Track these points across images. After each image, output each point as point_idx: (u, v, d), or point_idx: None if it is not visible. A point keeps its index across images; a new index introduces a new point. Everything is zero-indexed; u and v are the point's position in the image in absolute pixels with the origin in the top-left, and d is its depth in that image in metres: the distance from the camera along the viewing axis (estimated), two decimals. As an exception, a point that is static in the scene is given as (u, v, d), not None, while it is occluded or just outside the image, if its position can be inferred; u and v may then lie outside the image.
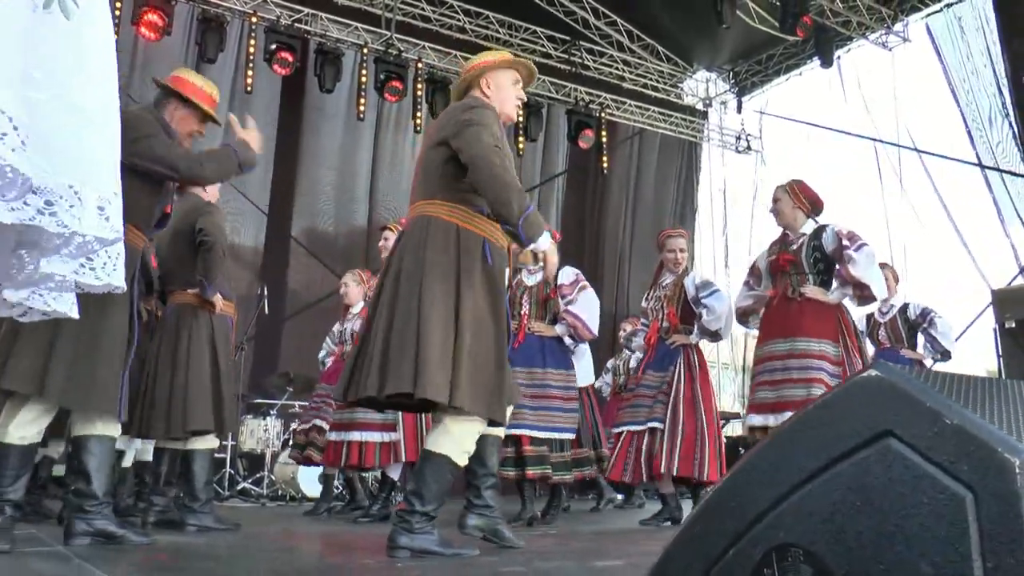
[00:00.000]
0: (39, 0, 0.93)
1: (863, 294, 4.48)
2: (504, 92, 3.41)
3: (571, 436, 5.20)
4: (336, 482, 6.97)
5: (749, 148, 13.00)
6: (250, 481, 8.12)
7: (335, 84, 9.71)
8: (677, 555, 0.87)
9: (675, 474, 4.98)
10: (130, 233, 3.37)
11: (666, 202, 12.72)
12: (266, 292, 7.90)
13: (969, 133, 10.79)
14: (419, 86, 10.23)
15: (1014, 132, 10.46)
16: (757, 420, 4.49)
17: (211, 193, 4.76)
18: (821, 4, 10.33)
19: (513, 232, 3.05)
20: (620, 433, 5.29)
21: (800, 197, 4.74)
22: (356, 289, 6.12)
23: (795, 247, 4.65)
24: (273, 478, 8.02)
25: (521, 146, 11.05)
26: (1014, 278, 10.34)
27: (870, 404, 0.68)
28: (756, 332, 4.97)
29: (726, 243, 12.95)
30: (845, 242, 4.45)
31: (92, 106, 0.93)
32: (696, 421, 5.02)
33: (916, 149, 10.80)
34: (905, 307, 6.68)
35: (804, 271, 4.57)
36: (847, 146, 11.60)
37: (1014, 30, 10.09)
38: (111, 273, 1.12)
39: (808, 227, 4.70)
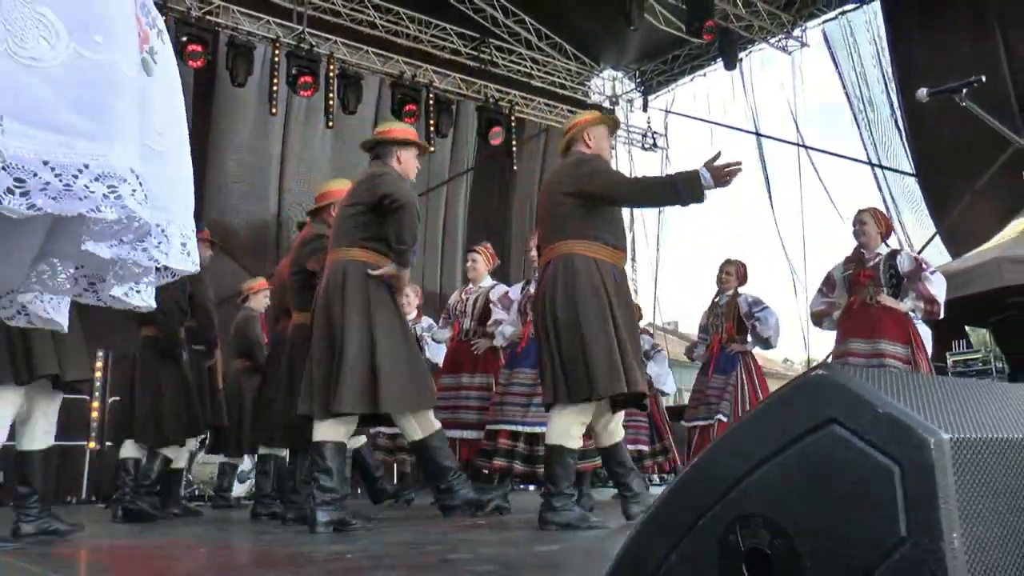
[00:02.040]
0: (137, 62, 1.10)
1: (932, 309, 5.51)
2: (602, 142, 4.30)
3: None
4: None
5: (655, 146, 13.54)
6: (168, 483, 8.07)
7: (247, 78, 9.71)
8: (652, 527, 1.15)
9: None
10: None
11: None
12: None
13: (861, 133, 11.47)
14: (331, 81, 10.29)
15: (900, 133, 11.17)
16: None
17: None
18: (725, 9, 10.88)
19: (675, 199, 4.04)
20: (693, 427, 6.53)
21: (883, 223, 5.87)
22: (483, 266, 6.19)
23: (872, 264, 5.66)
24: (191, 479, 8.02)
25: (432, 143, 11.22)
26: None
27: (818, 397, 0.97)
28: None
29: (633, 237, 13.41)
30: (924, 265, 5.59)
31: (173, 152, 1.11)
32: None
33: (809, 146, 11.45)
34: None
35: (880, 284, 5.58)
36: (749, 144, 12.16)
37: (901, 38, 10.78)
38: (149, 297, 1.27)
39: (882, 248, 5.75)
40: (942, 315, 5.53)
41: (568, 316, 3.87)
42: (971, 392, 1.07)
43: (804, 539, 0.96)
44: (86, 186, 0.74)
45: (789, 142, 11.66)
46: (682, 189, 3.87)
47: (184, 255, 0.98)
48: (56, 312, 1.19)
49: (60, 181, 0.72)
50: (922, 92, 3.53)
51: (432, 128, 11.19)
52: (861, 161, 11.39)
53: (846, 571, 0.93)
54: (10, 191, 0.70)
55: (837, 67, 11.57)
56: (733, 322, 6.61)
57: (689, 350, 7.26)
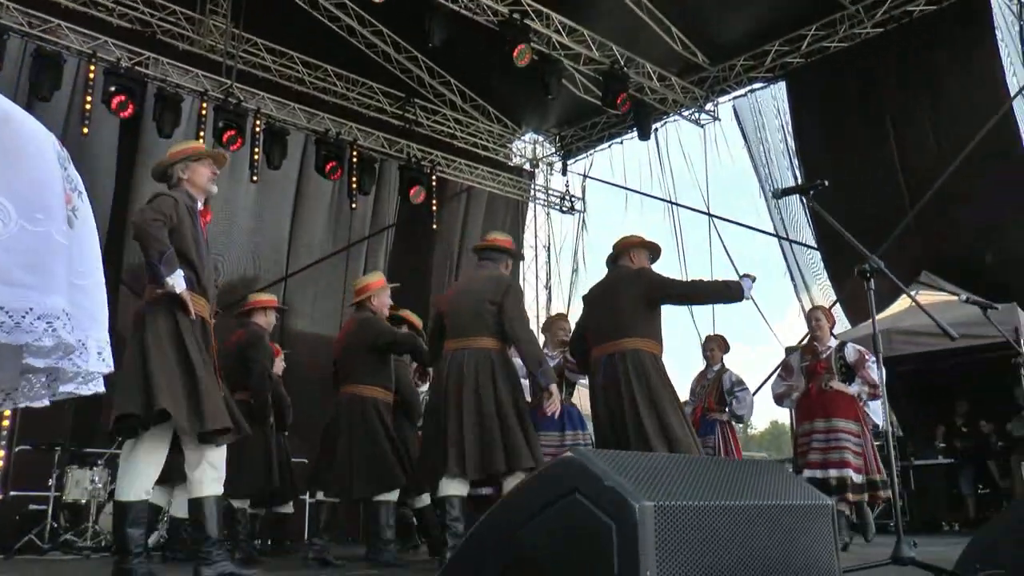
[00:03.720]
0: (64, 228, 1.42)
1: (874, 392, 6.81)
2: (644, 260, 5.51)
3: None
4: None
5: (572, 209, 14.07)
6: (72, 533, 8.10)
7: (173, 130, 9.94)
8: (458, 561, 1.50)
9: None
10: None
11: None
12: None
13: (768, 204, 12.15)
14: (257, 136, 10.58)
15: (803, 203, 11.86)
16: (808, 473, 6.59)
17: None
18: (641, 82, 11.45)
19: (736, 297, 5.26)
20: None
21: (831, 320, 7.38)
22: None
23: (825, 356, 6.99)
24: (98, 529, 8.06)
25: (355, 201, 11.57)
26: (804, 337, 11.62)
27: (567, 473, 1.34)
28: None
29: (548, 295, 13.91)
30: (866, 356, 6.83)
31: (92, 285, 1.44)
32: None
33: (717, 216, 12.06)
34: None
35: (832, 372, 6.87)
36: (662, 212, 12.76)
37: (802, 117, 11.54)
38: (98, 387, 1.61)
39: (831, 341, 7.12)
40: (880, 396, 6.52)
41: (645, 401, 4.96)
42: (685, 467, 1.46)
43: (554, 573, 1.33)
44: (32, 323, 1.06)
45: (699, 211, 12.30)
46: (735, 290, 5.23)
47: (100, 361, 1.31)
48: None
49: (12, 320, 1.04)
50: (776, 191, 4.01)
51: (355, 185, 11.55)
52: (767, 232, 12.06)
53: (583, 599, 1.30)
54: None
55: (746, 141, 12.29)
56: (714, 395, 7.87)
57: None
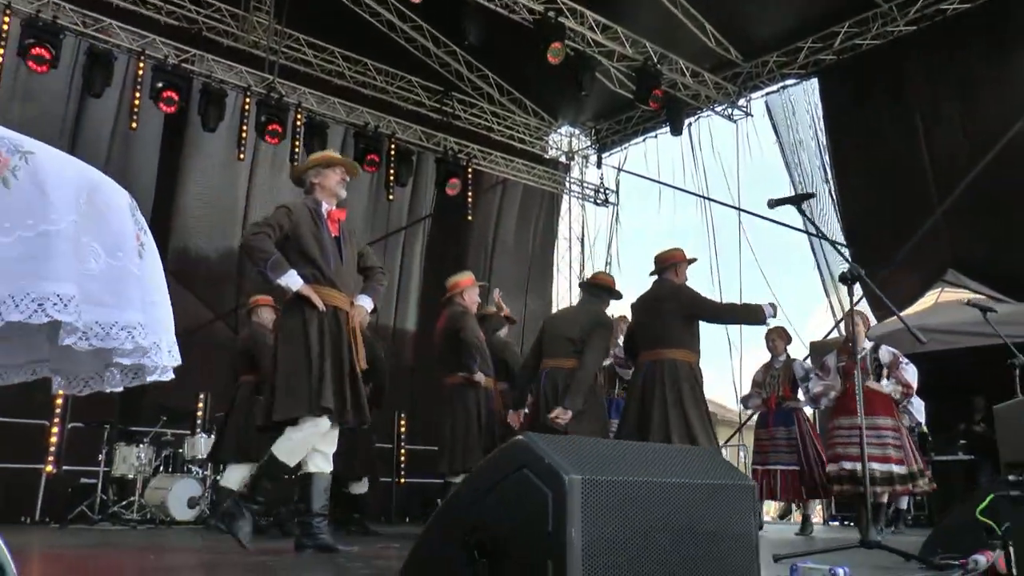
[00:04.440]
0: (137, 260, 1.81)
1: (907, 392, 7.46)
2: (684, 275, 6.17)
3: None
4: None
5: (607, 201, 14.39)
6: (120, 506, 8.68)
7: (217, 124, 10.44)
8: (431, 530, 1.90)
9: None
10: None
11: (526, 247, 13.92)
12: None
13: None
14: (298, 129, 11.05)
15: (833, 201, 12.10)
16: (849, 465, 7.31)
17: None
18: (674, 78, 11.73)
19: (761, 321, 6.06)
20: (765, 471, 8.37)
21: (867, 325, 7.86)
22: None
23: (860, 356, 7.21)
24: (143, 502, 8.62)
25: (391, 192, 12.02)
26: (829, 332, 11.88)
27: (516, 453, 1.73)
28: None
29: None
30: (901, 359, 7.45)
31: (160, 300, 1.83)
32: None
33: (747, 211, 12.32)
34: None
35: (868, 373, 7.36)
36: (694, 206, 13.05)
37: (834, 114, 11.75)
38: (167, 375, 1.98)
39: (866, 343, 7.58)
40: (915, 396, 7.69)
41: (675, 406, 5.68)
42: (618, 450, 1.85)
43: (506, 534, 1.73)
44: (117, 332, 1.47)
45: (730, 205, 12.56)
46: (759, 315, 5.96)
47: (170, 357, 1.72)
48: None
49: (104, 331, 1.44)
50: (770, 201, 4.35)
51: (392, 177, 12.00)
52: (796, 228, 12.29)
53: (526, 549, 1.69)
54: (82, 339, 1.44)
55: (778, 137, 12.52)
56: (789, 383, 8.37)
57: (745, 399, 9.03)
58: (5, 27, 9.13)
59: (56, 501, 8.74)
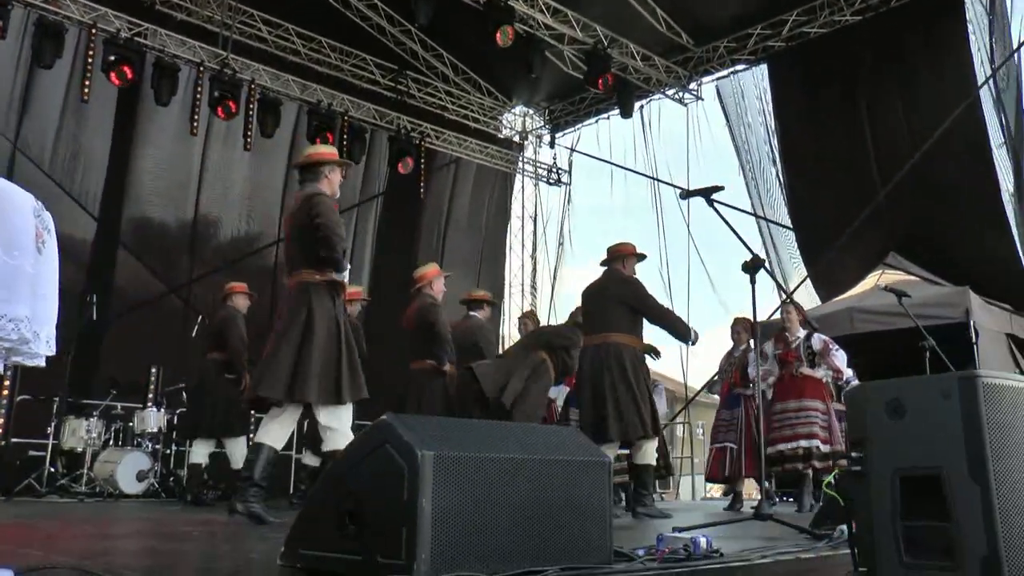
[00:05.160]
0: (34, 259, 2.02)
1: (838, 376, 8.14)
2: (633, 266, 6.59)
3: None
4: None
5: (560, 181, 14.63)
6: (68, 478, 8.83)
7: (170, 98, 10.52)
8: (315, 498, 2.15)
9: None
10: None
11: (479, 226, 14.14)
12: (95, 300, 8.73)
13: (746, 183, 12.70)
14: (251, 106, 11.16)
15: (780, 185, 12.42)
16: (782, 446, 7.85)
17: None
18: (625, 62, 11.95)
19: (683, 339, 6.55)
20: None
21: (803, 316, 8.49)
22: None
23: (795, 345, 8.13)
24: (92, 475, 8.78)
25: (344, 170, 12.14)
26: (772, 313, 12.20)
27: (382, 430, 1.98)
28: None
29: (534, 264, 14.52)
30: (831, 346, 8.00)
31: (49, 296, 2.04)
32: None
33: (695, 193, 12.54)
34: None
35: (802, 360, 8.01)
36: (645, 187, 13.32)
37: (782, 100, 12.06)
38: (40, 361, 2.21)
39: (799, 332, 8.24)
40: (845, 380, 8.26)
41: (622, 384, 6.11)
42: (473, 429, 2.12)
43: (371, 502, 1.98)
44: (4, 324, 1.69)
45: (679, 187, 12.83)
46: (686, 335, 6.43)
47: (47, 347, 1.94)
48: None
49: (-8, 322, 1.68)
50: (683, 192, 4.61)
51: (345, 155, 12.11)
52: (744, 211, 12.60)
53: (386, 517, 1.94)
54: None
55: (728, 120, 12.81)
56: (740, 371, 8.76)
57: (710, 384, 9.80)
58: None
59: (3, 474, 8.82)
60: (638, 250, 6.65)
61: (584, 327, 6.65)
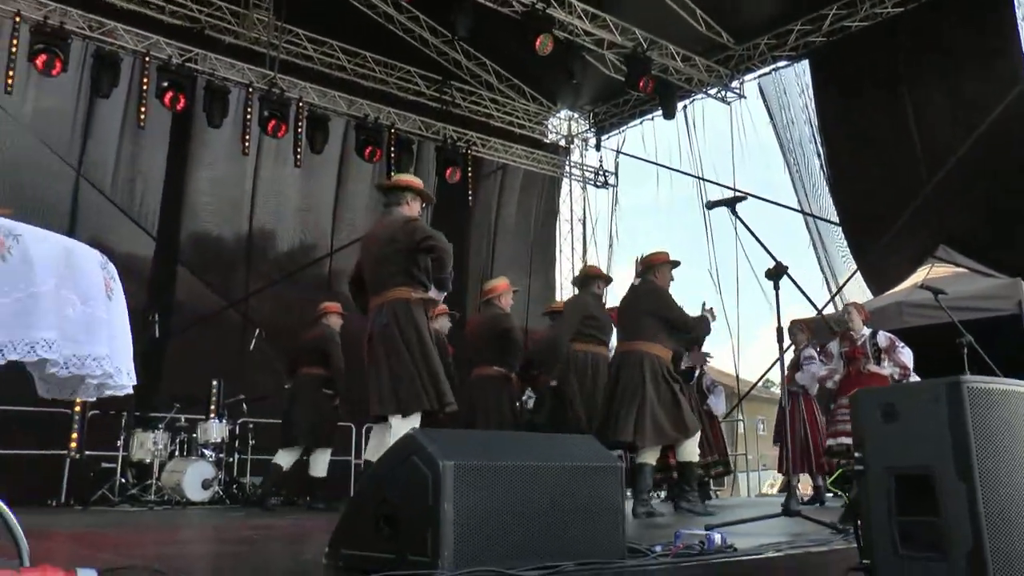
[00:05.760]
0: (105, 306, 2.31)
1: (904, 373, 8.11)
2: (667, 278, 6.79)
3: None
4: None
5: (606, 183, 14.82)
6: (138, 488, 9.29)
7: (222, 120, 10.95)
8: (354, 502, 2.42)
9: None
10: None
11: (527, 230, 14.40)
12: (157, 318, 9.18)
13: (792, 179, 12.78)
14: (300, 123, 11.56)
15: (825, 176, 12.48)
16: (842, 439, 8.07)
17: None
18: (665, 63, 12.12)
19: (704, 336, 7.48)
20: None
21: (864, 314, 8.61)
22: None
23: (860, 343, 8.30)
24: (160, 484, 9.22)
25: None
26: (823, 307, 12.27)
27: (409, 444, 2.24)
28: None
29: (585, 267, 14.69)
30: (897, 343, 8.15)
31: (121, 336, 2.33)
32: None
33: (743, 191, 12.66)
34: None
35: (868, 357, 8.18)
36: (691, 187, 13.47)
37: (825, 94, 12.11)
38: (122, 390, 2.51)
39: (864, 330, 8.40)
40: (910, 376, 8.09)
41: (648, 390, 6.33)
42: (489, 439, 2.37)
43: (402, 507, 2.25)
44: (88, 363, 1.99)
45: (725, 186, 12.96)
46: (707, 328, 6.86)
47: (128, 378, 2.23)
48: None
49: (78, 360, 1.96)
50: (708, 203, 4.82)
51: (393, 167, 12.47)
52: (791, 208, 12.71)
53: (414, 520, 2.21)
54: (62, 368, 1.97)
55: (771, 117, 12.90)
56: (792, 370, 9.13)
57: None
58: (15, 34, 9.68)
59: (79, 485, 9.29)
60: (671, 257, 6.88)
61: (618, 335, 6.91)
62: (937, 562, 2.40)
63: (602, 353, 7.19)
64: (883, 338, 8.29)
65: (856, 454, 2.83)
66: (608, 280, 8.18)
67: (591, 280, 7.50)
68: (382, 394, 5.15)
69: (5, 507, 1.97)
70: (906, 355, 8.18)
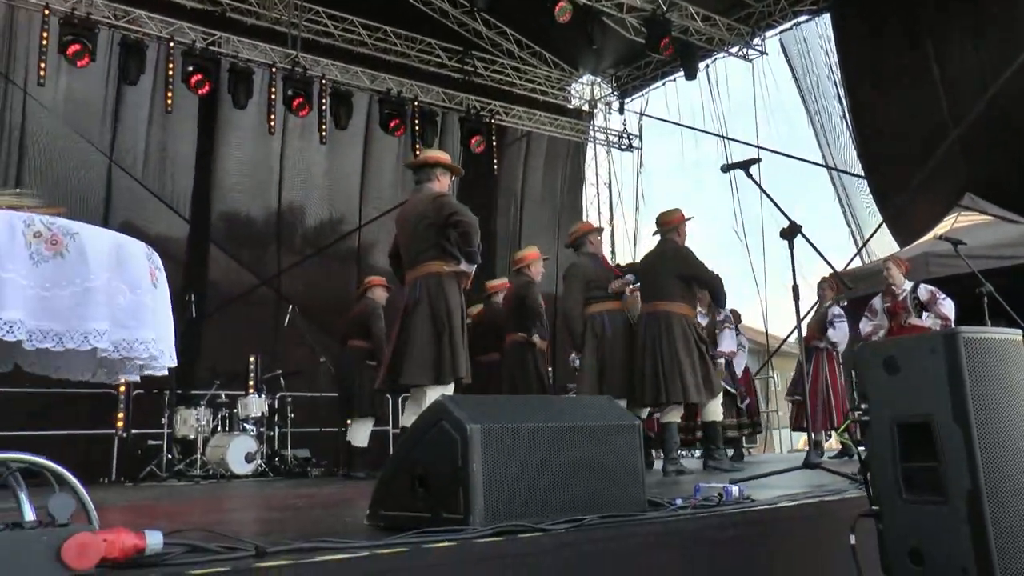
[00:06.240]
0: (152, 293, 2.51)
1: (946, 325, 8.08)
2: (684, 233, 7.00)
3: None
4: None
5: (631, 147, 14.89)
6: (184, 463, 9.62)
7: (247, 101, 11.15)
8: (391, 465, 2.63)
9: None
10: None
11: (554, 196, 14.54)
12: (193, 298, 9.45)
13: (816, 134, 12.78)
14: (324, 100, 11.73)
15: (849, 129, 12.46)
16: None
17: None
18: (685, 24, 12.13)
19: (721, 303, 7.38)
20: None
21: (904, 267, 8.65)
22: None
23: (901, 297, 8.41)
24: (205, 459, 9.54)
25: (418, 151, 12.66)
26: (849, 261, 12.29)
27: (438, 410, 2.44)
28: None
29: (612, 233, 14.85)
30: (938, 295, 8.22)
31: (164, 320, 2.52)
32: None
33: (766, 148, 12.74)
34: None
35: (909, 311, 8.28)
36: (715, 145, 13.51)
37: (848, 47, 12.06)
38: (163, 367, 2.72)
39: (906, 284, 8.50)
40: (952, 325, 7.97)
41: (677, 349, 6.50)
42: (512, 403, 2.56)
43: (434, 469, 2.45)
44: (136, 346, 2.19)
45: (749, 143, 13.02)
46: (724, 298, 7.04)
47: (170, 360, 2.43)
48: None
49: (127, 344, 2.16)
50: (724, 166, 4.94)
51: (418, 139, 12.64)
52: (815, 163, 12.73)
53: (446, 479, 2.40)
54: (114, 352, 2.17)
55: (793, 73, 12.89)
56: (818, 326, 9.18)
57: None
58: (45, 27, 9.93)
59: (128, 462, 9.63)
60: (685, 215, 7.04)
61: (642, 295, 7.04)
62: (939, 504, 2.55)
63: (615, 308, 7.17)
64: (924, 291, 8.39)
65: (862, 405, 2.98)
66: (600, 230, 8.17)
67: (583, 239, 7.40)
68: (416, 364, 5.35)
69: (73, 478, 2.17)
70: (947, 306, 8.26)
